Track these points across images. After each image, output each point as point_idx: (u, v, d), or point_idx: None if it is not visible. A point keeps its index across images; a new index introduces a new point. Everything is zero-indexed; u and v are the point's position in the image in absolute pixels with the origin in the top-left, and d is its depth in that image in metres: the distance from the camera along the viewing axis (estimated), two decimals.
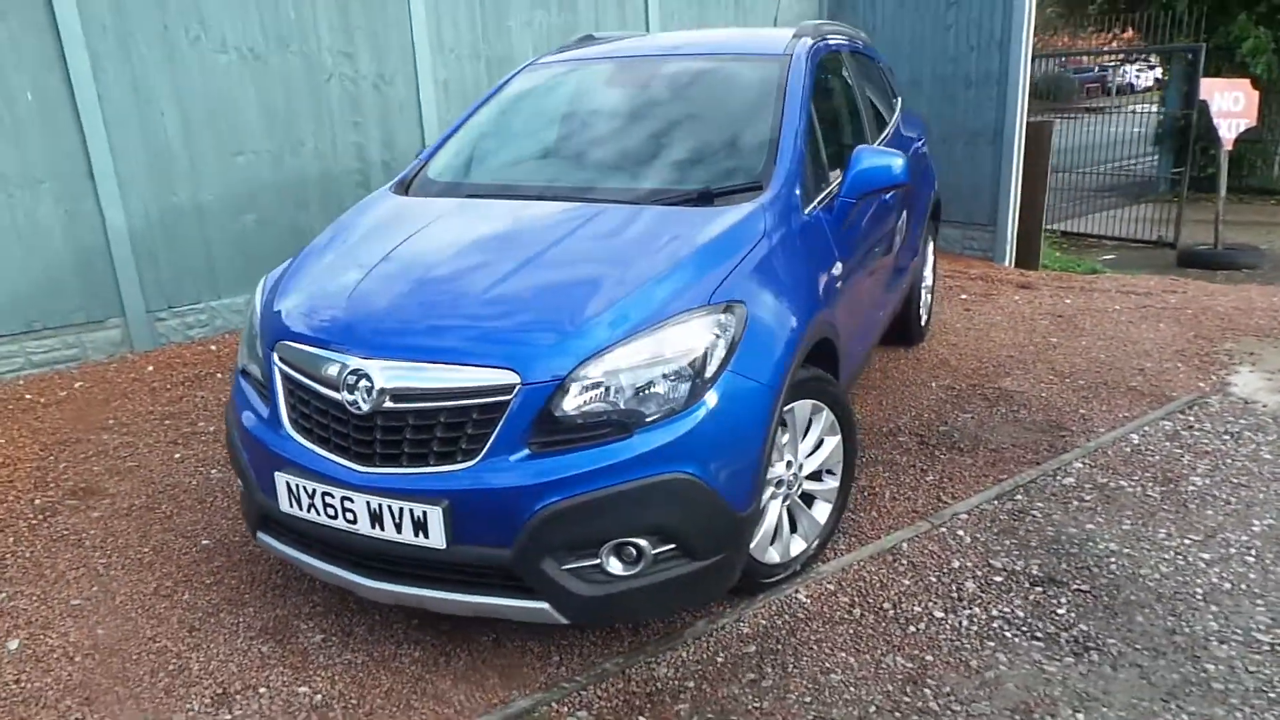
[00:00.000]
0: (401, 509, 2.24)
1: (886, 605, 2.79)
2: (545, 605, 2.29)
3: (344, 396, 2.33)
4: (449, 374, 2.27)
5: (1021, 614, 2.72)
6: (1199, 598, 2.77)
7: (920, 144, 4.80)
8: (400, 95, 6.18)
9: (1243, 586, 2.82)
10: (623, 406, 2.25)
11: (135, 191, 5.28)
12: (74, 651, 2.68)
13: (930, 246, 5.25)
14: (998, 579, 2.91)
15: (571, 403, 2.23)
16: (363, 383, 2.31)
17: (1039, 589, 2.85)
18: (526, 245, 2.67)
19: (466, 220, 2.96)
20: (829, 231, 3.09)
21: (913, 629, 2.67)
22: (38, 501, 3.60)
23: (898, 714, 2.33)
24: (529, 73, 3.86)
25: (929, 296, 5.41)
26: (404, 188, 3.38)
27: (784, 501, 2.83)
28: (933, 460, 3.76)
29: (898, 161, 3.17)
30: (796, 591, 2.86)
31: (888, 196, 3.79)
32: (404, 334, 2.37)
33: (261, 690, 2.50)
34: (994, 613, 2.74)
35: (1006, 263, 7.26)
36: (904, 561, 3.02)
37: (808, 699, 2.40)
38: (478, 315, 2.39)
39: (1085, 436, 3.94)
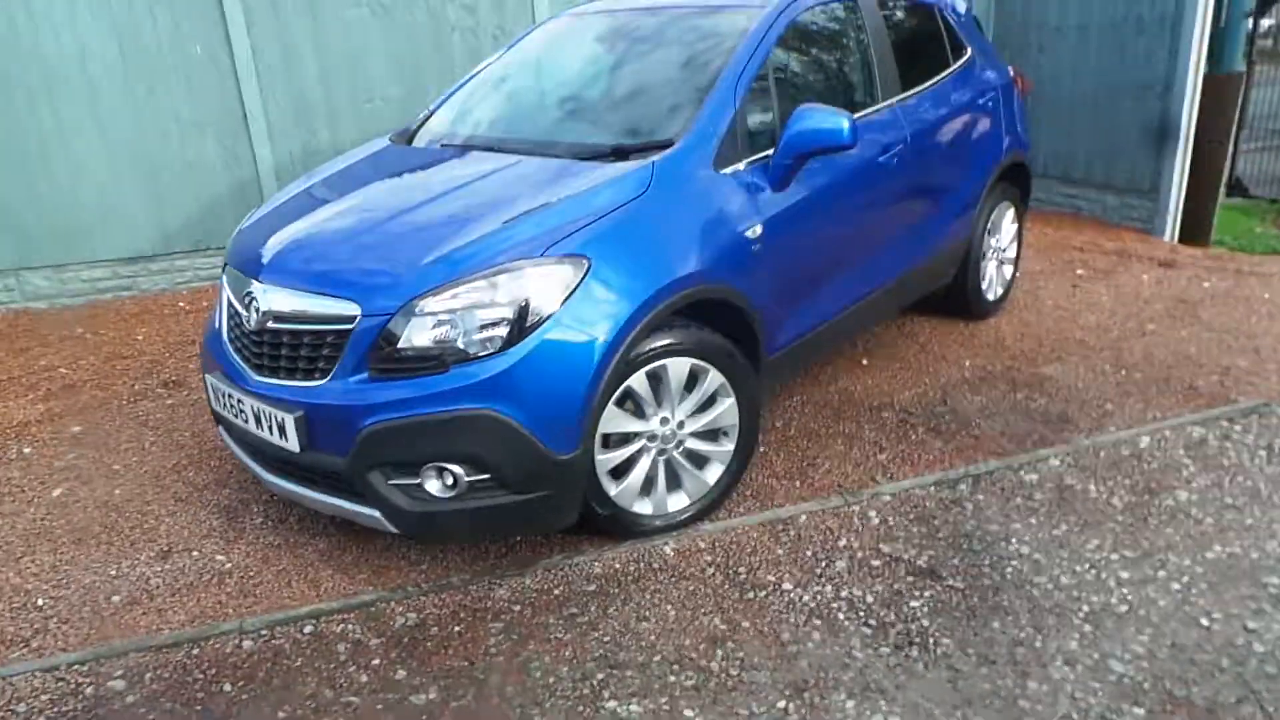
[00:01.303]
0: (270, 414, 2.64)
1: (743, 571, 2.83)
2: (377, 513, 2.62)
3: (243, 314, 2.76)
4: (312, 302, 2.62)
5: (870, 600, 2.67)
6: (1079, 617, 2.56)
7: (984, 101, 4.43)
8: None
9: (1140, 613, 2.56)
10: (443, 343, 2.48)
11: (281, 133, 6.11)
12: (91, 505, 3.39)
13: (1009, 214, 4.85)
14: (875, 563, 2.84)
15: (400, 335, 2.50)
16: (254, 304, 2.72)
17: (910, 579, 2.75)
18: (429, 195, 2.95)
19: (406, 170, 3.27)
20: (751, 193, 3.06)
21: (750, 595, 2.71)
22: (137, 387, 4.45)
23: (677, 666, 2.43)
24: (539, 29, 4.06)
25: (1009, 269, 5.01)
26: (404, 138, 3.73)
27: (658, 456, 2.92)
28: (900, 439, 3.62)
29: (842, 123, 3.05)
30: (666, 544, 2.97)
31: (884, 158, 3.62)
32: (289, 265, 2.75)
33: (194, 553, 3.04)
34: (843, 594, 2.70)
35: (1166, 236, 6.43)
36: (791, 533, 3.02)
37: (607, 639, 2.55)
38: (348, 254, 2.71)
39: (1087, 433, 3.60)
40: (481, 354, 2.48)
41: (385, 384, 2.51)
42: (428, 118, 3.86)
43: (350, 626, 2.64)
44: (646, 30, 3.61)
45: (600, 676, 2.41)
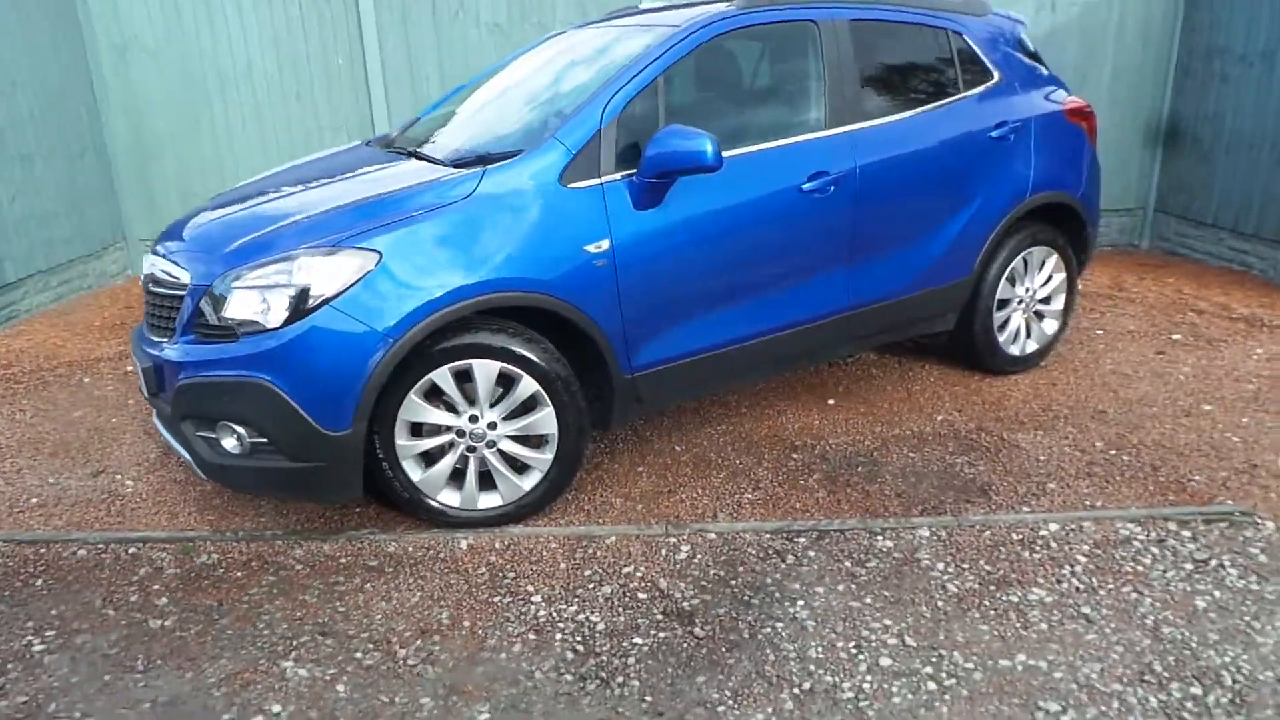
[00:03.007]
0: (140, 364, 3.09)
1: (511, 576, 2.85)
2: (189, 458, 2.96)
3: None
4: (168, 270, 3.03)
5: (600, 628, 2.59)
6: (792, 693, 2.32)
7: (999, 133, 3.97)
8: None
9: (860, 705, 2.28)
10: (237, 316, 2.77)
11: None
12: (80, 428, 4.07)
13: (1048, 261, 4.29)
14: (641, 596, 2.74)
15: (208, 306, 2.83)
16: (146, 269, 3.19)
17: (659, 618, 2.63)
18: (310, 187, 3.26)
19: (326, 168, 3.60)
20: (604, 210, 3.05)
21: (496, 600, 2.73)
22: None
23: (371, 645, 2.53)
24: (525, 48, 4.25)
25: (1051, 324, 4.43)
26: (381, 142, 4.10)
27: (467, 452, 3.02)
28: (785, 483, 3.40)
29: (704, 145, 2.98)
30: (465, 539, 3.05)
31: (812, 186, 3.42)
32: (172, 240, 3.18)
33: (117, 476, 3.59)
34: (580, 618, 2.64)
35: None
36: (590, 551, 2.97)
37: (341, 609, 2.70)
38: (213, 233, 3.08)
39: (991, 510, 3.15)
40: (264, 328, 2.74)
41: (198, 346, 2.85)
42: (409, 125, 4.19)
43: (163, 555, 3.01)
44: (585, 48, 3.69)
45: (304, 639, 2.56)
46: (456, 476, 3.06)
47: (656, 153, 3.03)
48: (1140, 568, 2.79)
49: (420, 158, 3.40)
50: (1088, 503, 3.18)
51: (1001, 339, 4.29)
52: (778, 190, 3.40)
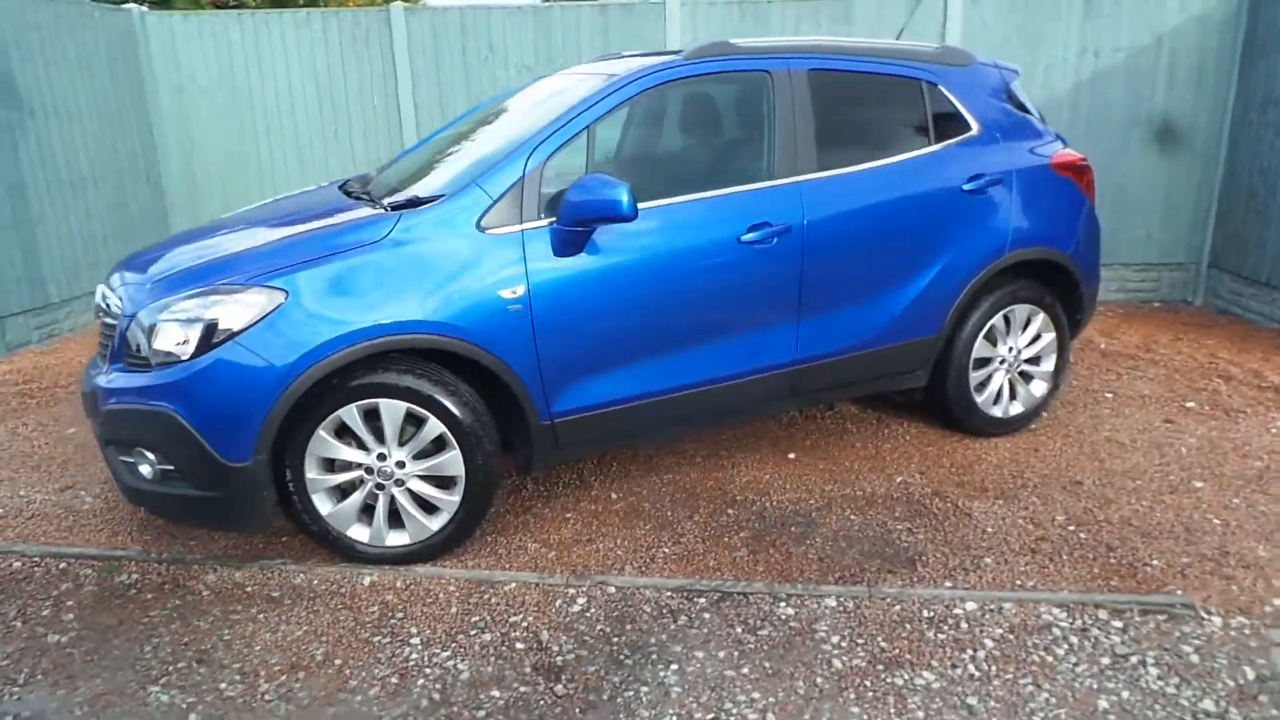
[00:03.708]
0: (82, 389, 3.25)
1: (399, 617, 2.85)
2: (116, 480, 3.09)
3: None
4: (110, 300, 3.19)
5: (464, 677, 2.56)
6: None
7: (973, 186, 3.81)
8: None
9: None
10: (149, 346, 2.89)
11: None
12: (69, 445, 4.30)
13: (1035, 320, 4.08)
14: (518, 646, 2.70)
15: (132, 335, 2.96)
16: (97, 298, 3.37)
17: (527, 671, 2.59)
18: (259, 226, 3.38)
19: (290, 208, 3.73)
20: (520, 255, 3.06)
21: (375, 640, 2.74)
22: None
23: (239, 677, 2.56)
24: (505, 94, 4.33)
25: (1040, 385, 4.20)
26: (359, 182, 4.23)
27: (376, 490, 3.05)
28: (708, 539, 3.30)
29: (619, 195, 2.98)
30: (368, 575, 3.07)
31: (752, 237, 3.36)
32: (118, 273, 3.33)
33: (80, 493, 3.77)
34: (450, 664, 2.62)
35: None
36: (485, 596, 2.95)
37: (226, 638, 2.75)
38: (154, 267, 3.21)
39: (911, 582, 2.98)
40: (177, 360, 2.85)
41: (123, 374, 2.98)
42: (387, 166, 4.31)
43: (89, 572, 3.13)
44: (546, 93, 3.73)
45: (180, 665, 2.62)
46: (369, 512, 3.10)
47: (572, 201, 3.03)
48: (1050, 658, 2.58)
49: (366, 199, 3.49)
50: (1019, 582, 2.98)
51: (980, 399, 4.09)
52: (712, 240, 3.35)
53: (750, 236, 3.39)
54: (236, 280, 2.89)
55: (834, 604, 2.87)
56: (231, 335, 2.81)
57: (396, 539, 3.12)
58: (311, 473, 2.99)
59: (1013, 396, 4.18)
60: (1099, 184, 6.57)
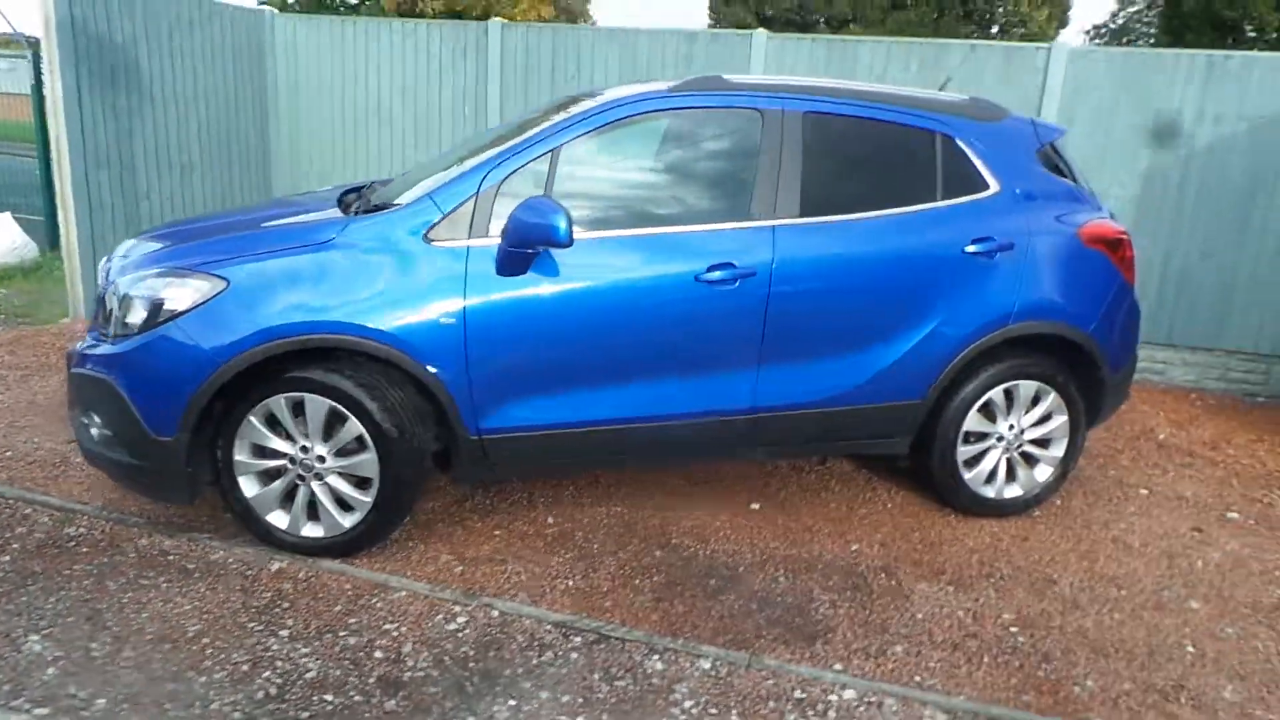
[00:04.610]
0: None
1: (285, 605, 2.92)
2: (77, 439, 3.34)
3: None
4: (103, 275, 3.45)
5: (311, 678, 2.59)
6: None
7: (976, 250, 3.53)
8: None
9: None
10: (113, 320, 3.11)
11: None
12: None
13: (1044, 400, 3.73)
14: (377, 655, 2.71)
15: (106, 306, 3.19)
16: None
17: (371, 683, 2.59)
18: (247, 218, 3.58)
19: (291, 206, 3.92)
20: (462, 271, 3.08)
21: (249, 623, 2.82)
22: None
23: (110, 636, 2.70)
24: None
25: (1046, 470, 3.83)
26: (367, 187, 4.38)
27: (296, 480, 3.15)
28: (618, 578, 3.21)
29: (556, 221, 2.97)
30: (277, 562, 3.17)
31: (711, 277, 3.26)
32: (121, 248, 3.59)
33: None
34: (302, 663, 2.66)
35: None
36: (373, 601, 2.99)
37: (124, 600, 2.90)
38: (137, 247, 3.43)
39: (798, 658, 2.78)
40: (124, 331, 3.05)
41: (92, 342, 3.23)
42: (405, 174, 4.44)
43: (46, 520, 3.39)
44: (550, 115, 3.75)
45: (70, 620, 2.79)
46: (294, 500, 3.20)
47: (513, 222, 3.03)
48: None
49: (341, 205, 3.61)
50: (918, 678, 2.72)
51: (969, 476, 3.77)
52: (666, 276, 3.26)
53: (711, 276, 3.28)
54: (185, 265, 3.07)
55: (708, 666, 2.72)
56: (173, 316, 2.99)
57: (312, 531, 3.20)
58: (240, 455, 3.12)
59: (1011, 478, 3.84)
60: (1207, 261, 5.99)
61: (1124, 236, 3.81)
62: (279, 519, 3.21)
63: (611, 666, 2.70)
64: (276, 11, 7.52)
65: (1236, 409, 5.72)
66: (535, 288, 3.15)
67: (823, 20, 28.22)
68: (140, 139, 6.38)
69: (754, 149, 3.42)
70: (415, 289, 3.08)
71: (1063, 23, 29.06)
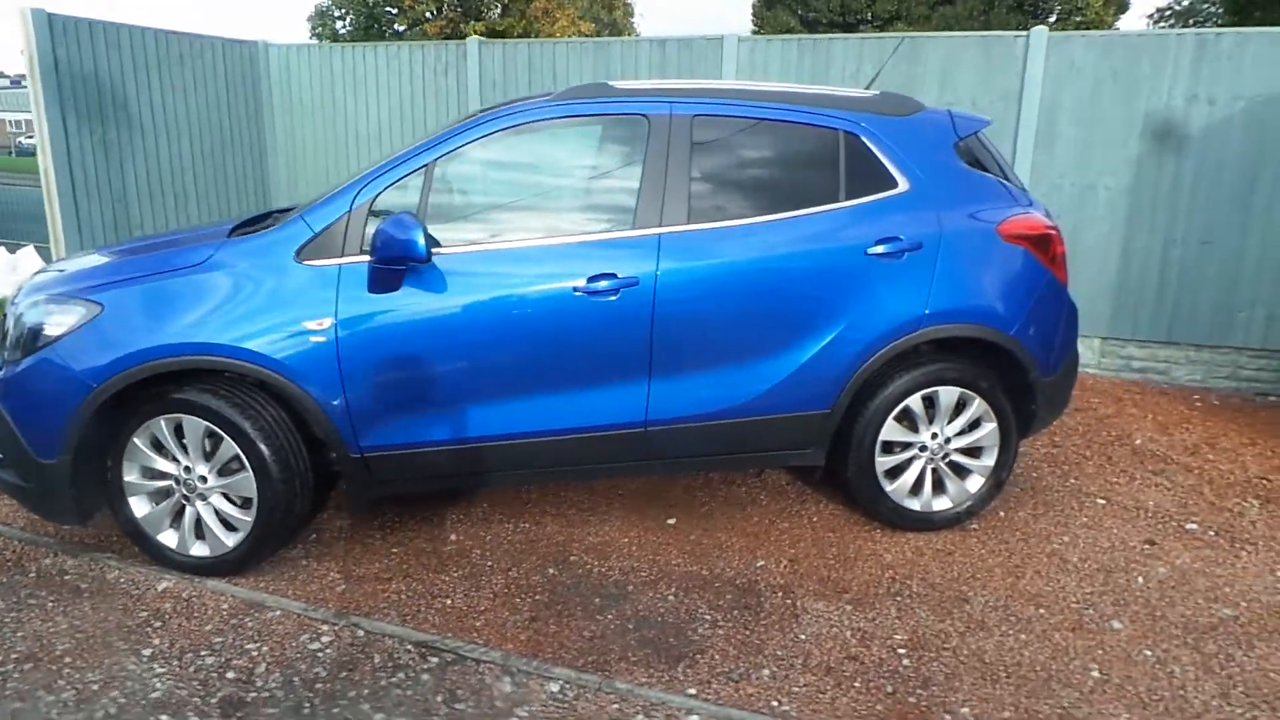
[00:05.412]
0: None
1: (157, 624, 2.95)
2: None
3: None
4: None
5: (156, 698, 2.60)
6: None
7: (884, 251, 3.37)
8: None
9: None
10: (9, 342, 3.20)
11: None
12: None
13: (969, 407, 3.53)
14: (229, 675, 2.71)
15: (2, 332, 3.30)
16: None
17: (213, 704, 2.59)
18: (142, 245, 3.66)
19: (191, 235, 3.97)
20: (332, 289, 3.08)
21: (117, 642, 2.85)
22: None
23: None
24: None
25: (976, 481, 3.63)
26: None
27: (181, 500, 3.19)
28: (499, 599, 3.15)
29: (412, 236, 2.96)
30: (165, 581, 3.20)
31: (592, 289, 3.19)
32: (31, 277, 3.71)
33: None
34: (150, 682, 2.67)
35: None
36: (245, 619, 2.99)
37: (8, 619, 2.97)
38: (42, 275, 3.54)
39: (660, 682, 2.67)
40: (14, 359, 3.14)
41: None
42: None
43: None
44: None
45: None
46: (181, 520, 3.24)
47: (377, 239, 3.02)
48: None
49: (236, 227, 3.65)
50: (775, 703, 2.59)
51: (891, 488, 3.60)
52: (542, 289, 3.20)
53: (590, 287, 3.21)
54: (64, 291, 3.14)
55: (556, 689, 2.64)
56: (50, 342, 3.06)
57: (199, 550, 3.23)
58: (130, 476, 3.18)
59: (940, 489, 3.65)
60: (1208, 249, 5.62)
61: (1052, 232, 3.59)
62: (169, 538, 3.25)
63: (459, 688, 2.64)
64: (268, 42, 7.73)
65: (1240, 409, 5.34)
66: (408, 305, 3.13)
67: (869, 19, 27.76)
68: (131, 171, 6.61)
69: (640, 155, 3.34)
70: (286, 308, 3.09)
71: (1122, 7, 27.92)
